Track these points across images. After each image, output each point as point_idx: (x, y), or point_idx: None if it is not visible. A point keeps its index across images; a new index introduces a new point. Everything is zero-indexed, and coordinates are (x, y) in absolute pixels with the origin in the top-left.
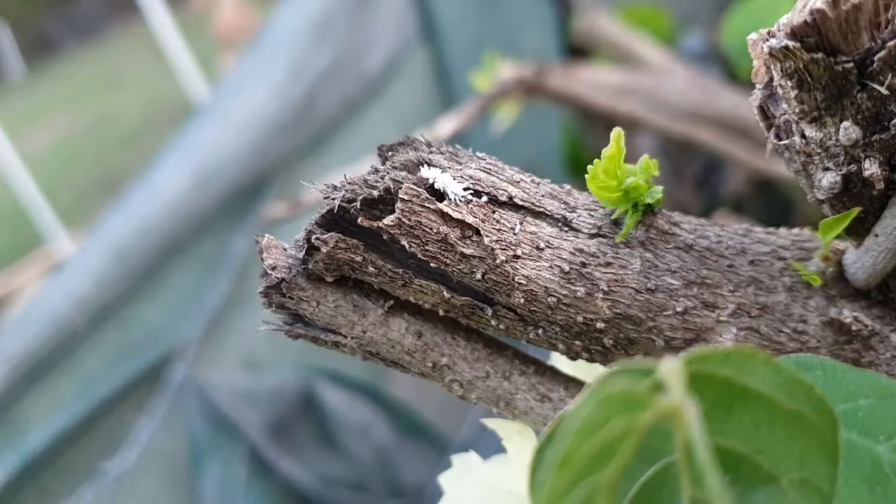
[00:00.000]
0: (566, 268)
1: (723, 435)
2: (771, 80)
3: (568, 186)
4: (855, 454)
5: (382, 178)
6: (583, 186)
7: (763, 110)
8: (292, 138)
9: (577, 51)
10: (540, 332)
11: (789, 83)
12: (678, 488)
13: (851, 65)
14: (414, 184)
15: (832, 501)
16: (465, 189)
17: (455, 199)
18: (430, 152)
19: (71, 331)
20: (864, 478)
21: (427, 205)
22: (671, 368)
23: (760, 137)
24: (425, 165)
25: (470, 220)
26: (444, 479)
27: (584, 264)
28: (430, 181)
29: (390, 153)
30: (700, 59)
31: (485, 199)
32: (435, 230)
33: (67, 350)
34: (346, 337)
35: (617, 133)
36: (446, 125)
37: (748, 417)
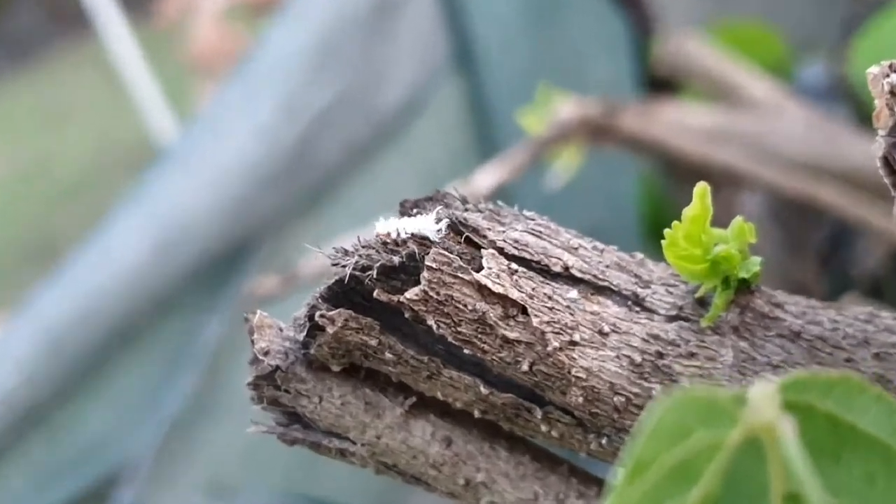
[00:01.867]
0: (638, 358)
1: (828, 488)
2: None
3: (640, 255)
4: None
5: (405, 241)
6: (662, 257)
7: (888, 162)
8: (285, 193)
9: (658, 83)
10: (604, 441)
11: None
12: None
13: None
14: (445, 249)
15: None
16: (507, 255)
17: (496, 270)
18: (466, 209)
19: None
20: None
21: (461, 275)
22: (763, 392)
23: None
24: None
25: (515, 294)
26: None
27: (660, 354)
28: (397, 233)
29: (415, 210)
30: (822, 95)
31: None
32: (470, 307)
33: None
34: (355, 443)
35: (702, 189)
36: (486, 178)
37: (859, 467)
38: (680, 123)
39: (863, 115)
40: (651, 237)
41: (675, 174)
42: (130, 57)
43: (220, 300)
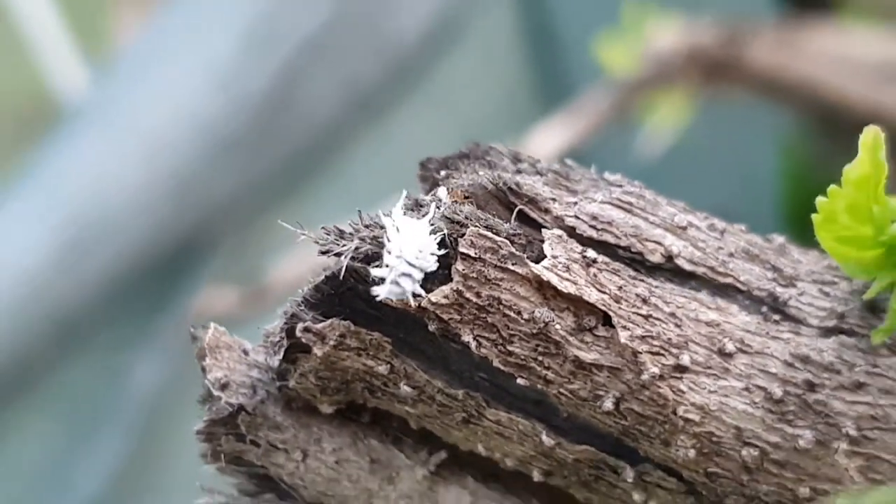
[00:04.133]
0: (777, 391)
1: None
2: None
3: (780, 238)
4: None
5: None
6: (811, 243)
7: None
8: (253, 164)
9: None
10: None
11: None
12: None
13: None
14: (488, 227)
15: None
16: (580, 238)
17: (564, 259)
18: (518, 170)
19: None
20: None
21: (512, 266)
22: None
23: None
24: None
25: (593, 296)
26: None
27: (811, 385)
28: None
29: (444, 173)
30: None
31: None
32: (526, 315)
33: None
34: None
35: (872, 136)
36: (548, 137)
37: None
38: (839, 56)
39: None
40: (796, 222)
41: (831, 132)
42: None
43: (157, 326)
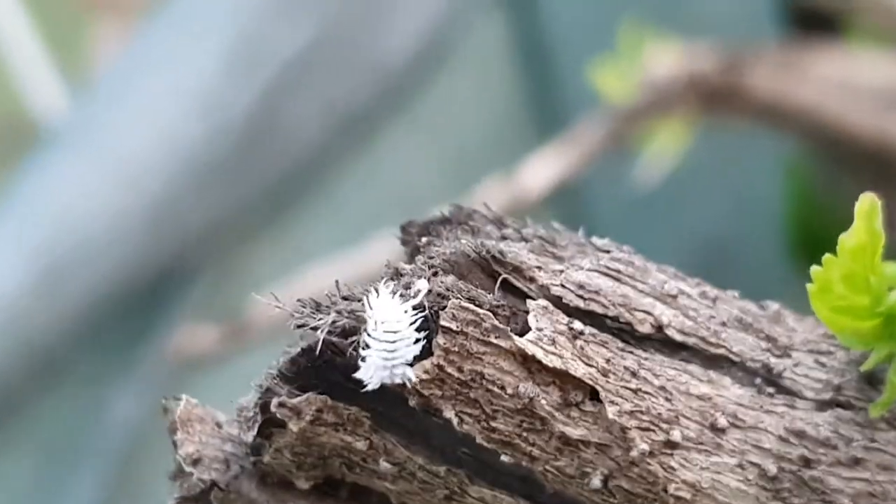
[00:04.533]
0: (772, 469)
1: None
2: None
3: (775, 306)
4: None
5: (409, 286)
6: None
7: None
8: (235, 190)
9: (811, 18)
10: None
11: None
12: None
13: None
14: (471, 299)
15: None
16: (567, 308)
17: (550, 332)
18: (503, 236)
19: None
20: None
21: (495, 340)
22: None
23: None
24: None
25: (579, 370)
26: None
27: (807, 462)
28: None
29: (425, 239)
30: None
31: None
32: (511, 391)
33: None
34: None
35: (868, 203)
36: (541, 169)
37: None
38: (844, 81)
39: None
40: (802, 246)
41: (838, 161)
42: None
43: (134, 360)
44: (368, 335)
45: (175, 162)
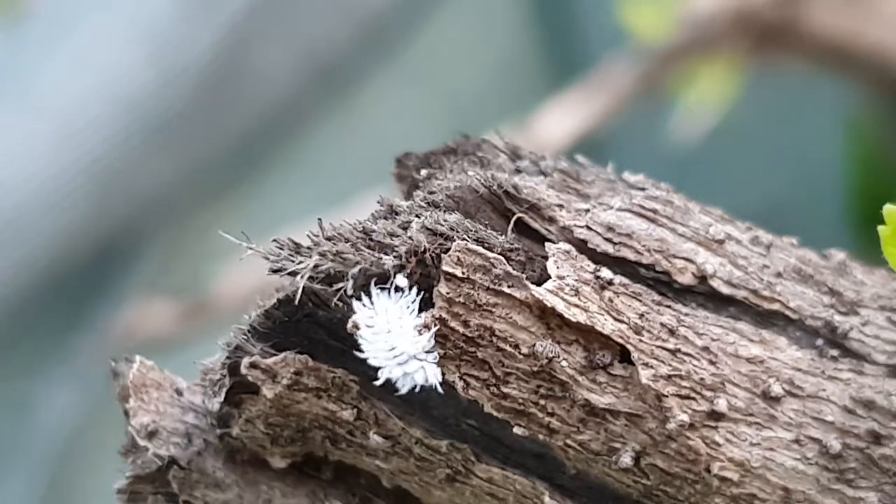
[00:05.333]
0: (836, 445)
1: None
2: None
3: (840, 255)
4: None
5: (405, 227)
6: (880, 257)
7: None
8: (189, 149)
9: None
10: None
11: None
12: None
13: None
14: (478, 240)
15: None
16: (593, 254)
17: (573, 281)
18: (517, 169)
19: None
20: None
21: (508, 289)
22: None
23: None
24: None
25: (607, 327)
26: None
27: (877, 437)
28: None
29: (426, 172)
30: None
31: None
32: (525, 349)
33: None
34: None
35: None
36: (561, 117)
37: None
38: None
39: None
40: (866, 220)
41: None
42: None
43: (71, 347)
44: (373, 343)
45: (121, 113)
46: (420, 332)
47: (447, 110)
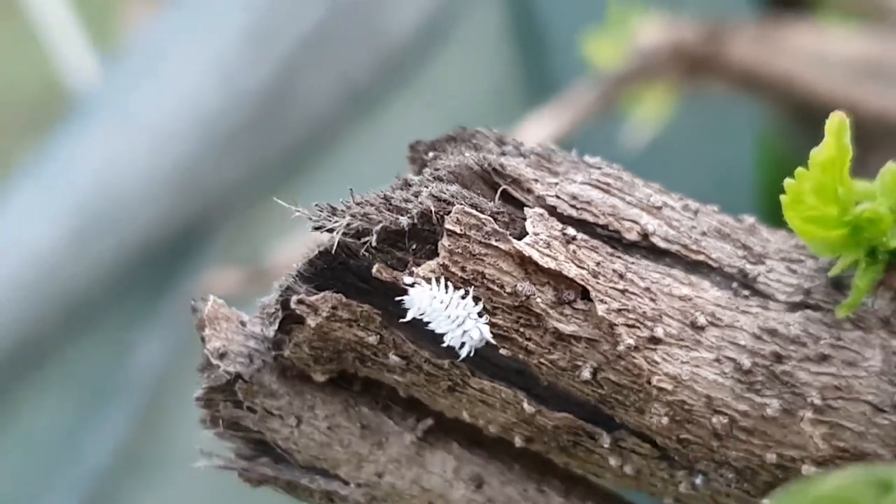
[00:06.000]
0: (746, 363)
1: None
2: None
3: (751, 219)
4: None
5: (417, 195)
6: (783, 227)
7: None
8: (253, 154)
9: (782, 1)
10: (698, 481)
11: None
12: None
13: None
14: (473, 206)
15: None
16: (561, 216)
17: (545, 237)
18: (504, 153)
19: None
20: None
21: (495, 243)
22: None
23: None
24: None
25: (572, 271)
26: None
27: (778, 357)
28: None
29: (432, 154)
30: None
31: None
32: (509, 289)
33: None
34: (347, 483)
35: (838, 123)
36: (537, 127)
37: None
38: (816, 54)
39: None
40: (773, 213)
41: (806, 125)
42: None
43: (160, 307)
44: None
45: (197, 129)
46: (464, 299)
47: (450, 125)
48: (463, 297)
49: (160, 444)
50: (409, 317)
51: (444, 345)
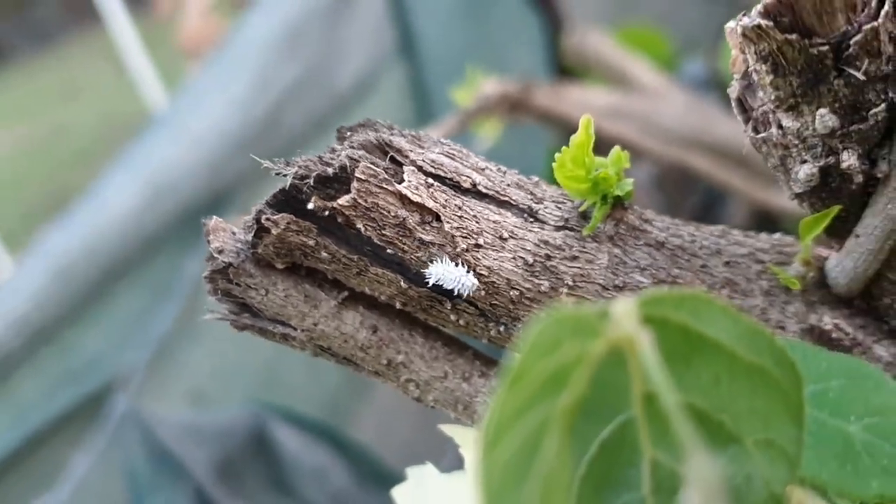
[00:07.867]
0: (530, 259)
1: (681, 389)
2: (748, 69)
3: (536, 178)
4: (825, 432)
5: (339, 155)
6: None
7: (741, 103)
8: (265, 150)
9: (566, 70)
10: (502, 329)
11: (764, 67)
12: (638, 448)
13: (827, 48)
14: (373, 163)
15: (798, 466)
16: (425, 172)
17: (415, 183)
18: (392, 134)
19: (5, 354)
20: (834, 454)
21: (385, 186)
22: (624, 308)
23: (759, 166)
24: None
25: (430, 204)
26: (398, 492)
27: (548, 257)
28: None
29: (349, 133)
30: (700, 84)
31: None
32: (392, 213)
33: (0, 375)
34: (296, 329)
35: (587, 120)
36: None
37: (707, 370)
38: (583, 102)
39: (730, 101)
40: (551, 178)
41: None
42: (131, 43)
43: (199, 243)
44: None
45: (224, 140)
46: (457, 266)
47: None
48: (457, 266)
49: (198, 323)
50: (430, 283)
51: (453, 292)
